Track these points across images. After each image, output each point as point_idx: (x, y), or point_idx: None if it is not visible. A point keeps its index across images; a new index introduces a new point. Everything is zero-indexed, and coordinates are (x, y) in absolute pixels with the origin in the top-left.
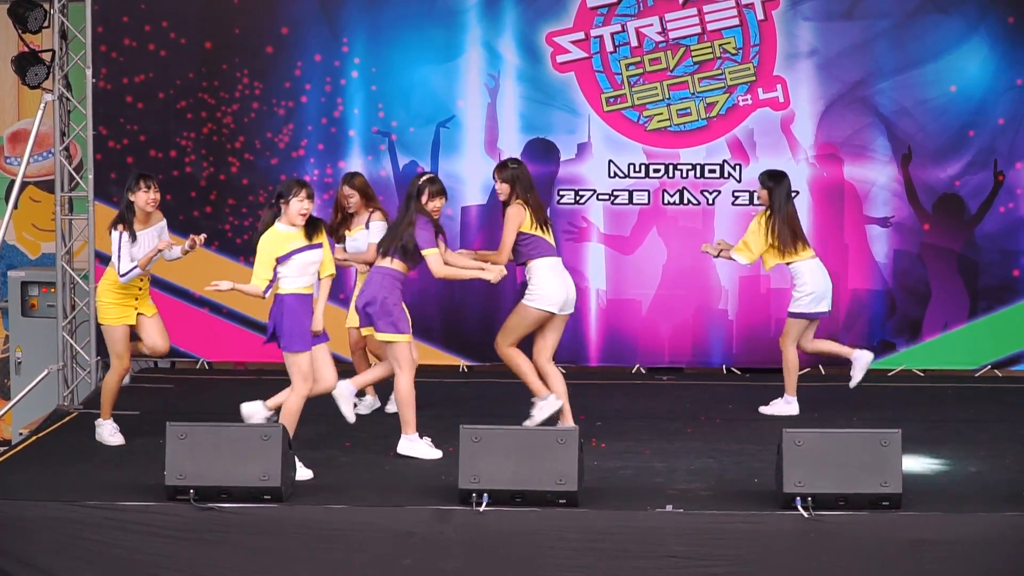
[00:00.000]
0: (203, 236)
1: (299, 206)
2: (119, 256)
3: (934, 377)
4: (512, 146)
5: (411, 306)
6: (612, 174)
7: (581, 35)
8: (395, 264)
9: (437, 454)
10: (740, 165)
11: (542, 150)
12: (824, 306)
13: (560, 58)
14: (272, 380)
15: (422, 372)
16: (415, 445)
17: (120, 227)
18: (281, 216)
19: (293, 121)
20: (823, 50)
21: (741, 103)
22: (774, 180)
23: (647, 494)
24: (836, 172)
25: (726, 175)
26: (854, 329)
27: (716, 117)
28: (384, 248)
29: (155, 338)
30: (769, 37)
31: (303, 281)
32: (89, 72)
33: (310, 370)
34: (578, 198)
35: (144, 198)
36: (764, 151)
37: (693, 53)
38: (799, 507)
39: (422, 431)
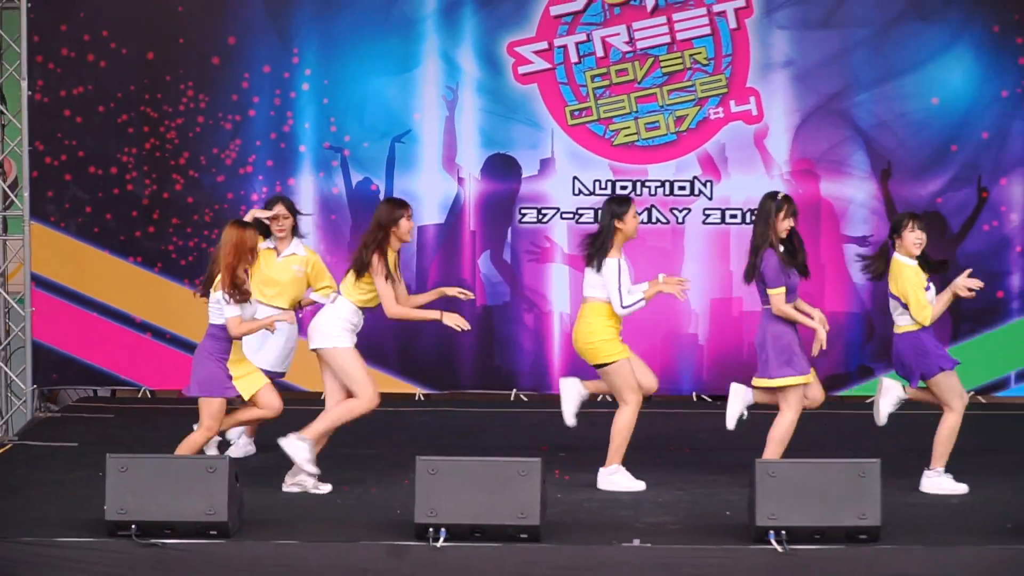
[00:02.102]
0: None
1: (913, 237)
2: (620, 286)
3: (915, 404)
4: (471, 162)
5: (364, 330)
6: (577, 191)
7: (544, 45)
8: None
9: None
10: (711, 182)
11: (503, 166)
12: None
13: (522, 69)
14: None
15: None
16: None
17: (614, 252)
18: (899, 247)
19: (240, 136)
20: (799, 60)
21: (712, 116)
22: None
23: (613, 528)
24: (812, 189)
25: (697, 192)
26: (831, 354)
27: (686, 131)
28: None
29: (650, 376)
30: (742, 47)
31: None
32: (24, 84)
33: None
34: (541, 217)
35: (633, 224)
36: (736, 167)
37: (662, 64)
38: (772, 541)
39: (369, 461)
